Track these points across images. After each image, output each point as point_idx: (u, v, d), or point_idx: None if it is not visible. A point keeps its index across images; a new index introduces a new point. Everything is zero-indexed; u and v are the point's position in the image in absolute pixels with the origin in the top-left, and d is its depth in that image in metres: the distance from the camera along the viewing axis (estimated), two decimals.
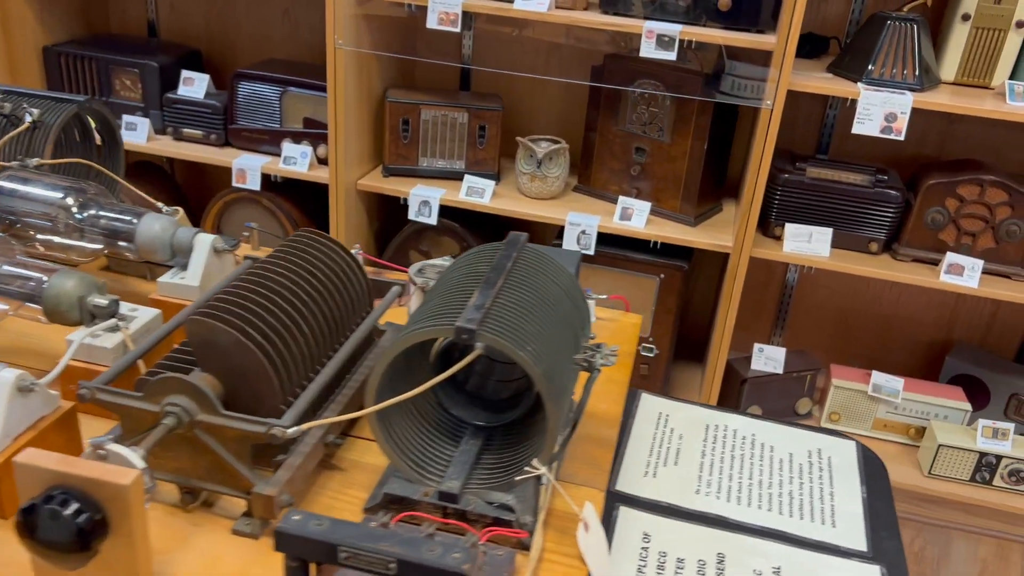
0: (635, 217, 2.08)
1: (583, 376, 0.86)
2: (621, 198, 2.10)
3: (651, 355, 2.19)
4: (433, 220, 2.14)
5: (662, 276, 2.11)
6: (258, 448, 0.81)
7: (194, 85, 2.31)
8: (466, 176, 2.17)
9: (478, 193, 2.15)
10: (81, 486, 0.65)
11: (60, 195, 1.06)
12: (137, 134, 2.31)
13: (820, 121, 2.24)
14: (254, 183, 2.24)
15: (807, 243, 2.01)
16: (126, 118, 2.31)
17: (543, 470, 0.80)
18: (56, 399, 0.83)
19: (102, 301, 0.92)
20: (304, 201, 2.35)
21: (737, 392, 2.21)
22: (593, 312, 1.20)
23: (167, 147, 2.30)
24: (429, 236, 2.26)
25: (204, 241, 1.05)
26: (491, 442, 0.90)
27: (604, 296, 1.20)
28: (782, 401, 2.24)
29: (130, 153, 2.43)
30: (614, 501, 1.04)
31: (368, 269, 1.34)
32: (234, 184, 2.25)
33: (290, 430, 0.76)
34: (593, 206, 2.16)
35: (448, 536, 0.80)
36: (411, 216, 2.16)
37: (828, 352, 2.44)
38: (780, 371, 2.18)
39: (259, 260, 0.90)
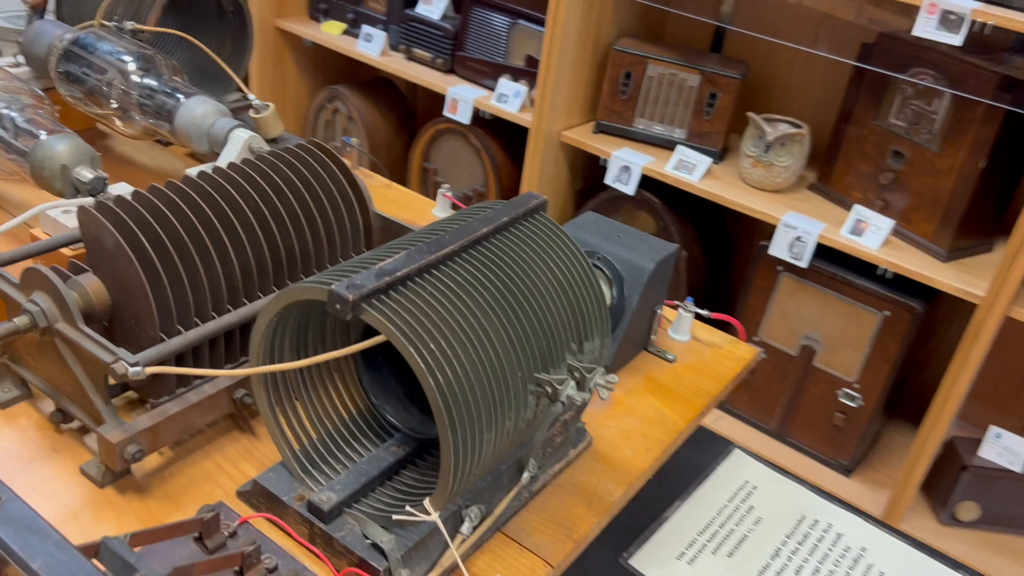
0: (868, 234, 1.69)
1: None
2: (856, 207, 1.71)
3: (852, 405, 1.79)
4: (630, 190, 1.89)
5: (887, 313, 1.70)
6: (144, 385, 0.66)
7: (432, 4, 2.22)
8: (678, 147, 1.89)
9: (687, 168, 1.86)
10: None
11: (124, 59, 0.98)
12: (372, 46, 2.27)
13: None
14: (464, 116, 2.12)
15: None
16: (365, 28, 2.29)
17: (433, 516, 0.57)
18: None
19: (86, 174, 0.82)
20: (511, 143, 2.19)
21: (953, 479, 1.74)
22: (687, 327, 0.92)
23: (394, 64, 2.24)
24: (625, 207, 2.00)
25: (239, 137, 0.91)
26: (425, 457, 0.68)
27: (706, 312, 0.91)
28: (1014, 507, 1.74)
29: (362, 66, 2.42)
30: None
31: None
32: (445, 113, 2.15)
33: (132, 369, 0.59)
34: (824, 210, 1.79)
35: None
36: (608, 180, 1.92)
37: None
38: (1018, 469, 1.69)
39: (230, 164, 0.75)
